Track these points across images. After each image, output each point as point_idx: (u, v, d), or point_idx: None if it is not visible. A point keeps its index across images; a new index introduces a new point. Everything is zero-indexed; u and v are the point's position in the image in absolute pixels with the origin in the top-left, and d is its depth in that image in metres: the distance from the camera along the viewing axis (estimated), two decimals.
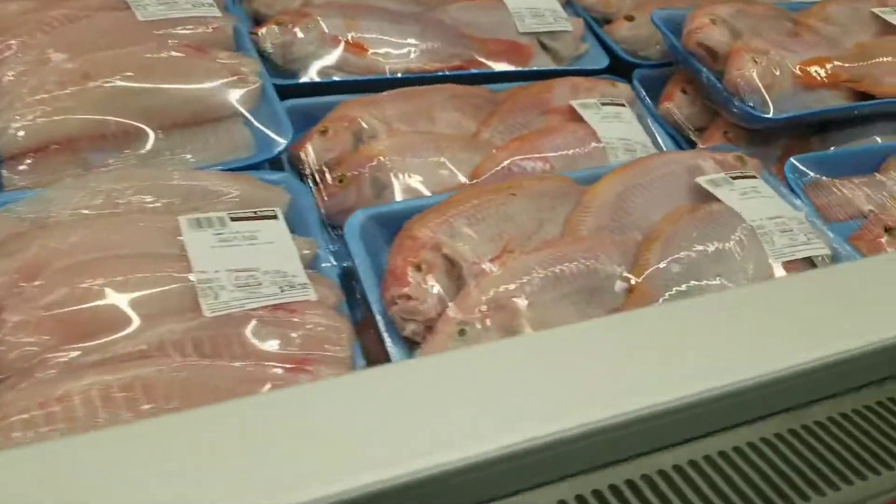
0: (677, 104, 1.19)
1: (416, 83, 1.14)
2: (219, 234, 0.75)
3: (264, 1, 1.23)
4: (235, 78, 0.90)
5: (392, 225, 0.82)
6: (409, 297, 0.70)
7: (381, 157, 0.95)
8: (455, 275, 0.76)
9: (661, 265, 0.76)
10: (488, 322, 0.68)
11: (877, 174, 1.07)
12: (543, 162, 1.00)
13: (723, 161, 0.95)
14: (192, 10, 0.97)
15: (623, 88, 1.20)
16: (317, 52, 1.15)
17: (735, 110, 1.09)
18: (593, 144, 1.05)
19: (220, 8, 1.00)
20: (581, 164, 1.03)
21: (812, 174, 1.01)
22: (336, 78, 1.13)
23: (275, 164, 0.96)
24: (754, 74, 1.09)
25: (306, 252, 0.76)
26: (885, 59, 1.20)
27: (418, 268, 0.73)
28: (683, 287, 0.74)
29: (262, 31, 1.14)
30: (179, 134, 0.88)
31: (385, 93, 1.08)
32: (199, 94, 0.88)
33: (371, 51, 1.16)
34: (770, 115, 1.07)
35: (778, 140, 1.17)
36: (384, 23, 1.21)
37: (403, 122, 1.05)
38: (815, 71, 1.14)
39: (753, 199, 0.86)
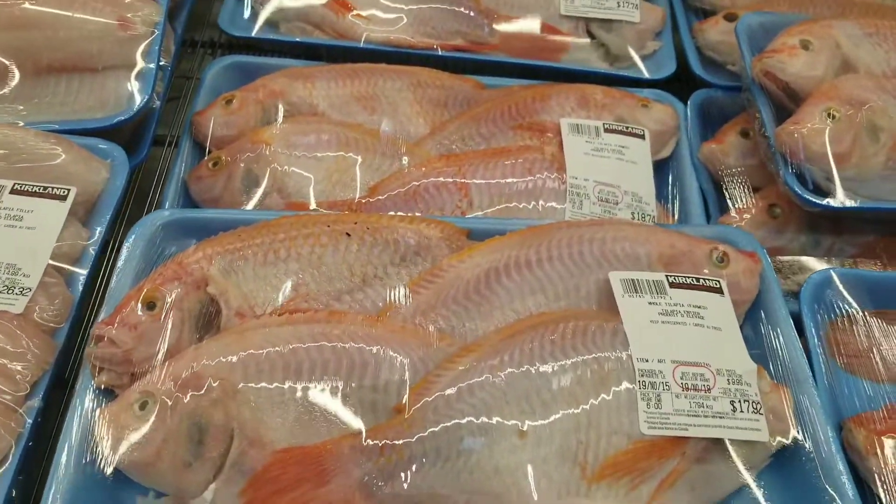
0: (727, 149, 0.86)
1: (386, 59, 0.94)
2: None
3: None
4: (117, 23, 0.78)
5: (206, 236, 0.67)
6: (110, 342, 0.55)
7: (266, 147, 0.78)
8: (215, 323, 0.60)
9: (449, 392, 0.52)
10: (182, 402, 0.51)
11: None
12: (463, 194, 0.77)
13: (689, 252, 0.64)
14: (615, 9, 0.92)
15: (662, 113, 0.89)
16: (300, 5, 0.99)
17: (781, 179, 0.76)
18: (550, 184, 0.79)
19: None
20: (523, 207, 0.78)
21: (851, 303, 0.67)
22: (298, 39, 0.97)
23: None
24: (820, 135, 0.74)
25: (71, 243, 0.64)
26: None
27: (151, 304, 0.57)
28: (468, 440, 0.51)
29: None
30: (54, 80, 0.78)
31: (328, 66, 0.90)
32: (71, 37, 0.77)
33: (354, 11, 0.98)
34: (825, 201, 0.73)
35: (857, 232, 0.81)
36: None
37: (333, 108, 0.86)
38: None
39: (672, 327, 0.57)
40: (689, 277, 0.61)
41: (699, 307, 0.59)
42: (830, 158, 0.73)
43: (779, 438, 0.55)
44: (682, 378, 0.54)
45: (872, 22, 0.88)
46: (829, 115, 0.74)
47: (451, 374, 0.53)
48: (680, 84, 0.99)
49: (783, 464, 0.56)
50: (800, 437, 0.56)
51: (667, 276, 0.61)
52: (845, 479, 0.53)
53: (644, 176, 0.83)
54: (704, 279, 0.62)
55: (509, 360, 0.54)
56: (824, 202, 0.72)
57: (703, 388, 0.54)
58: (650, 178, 0.83)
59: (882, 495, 0.53)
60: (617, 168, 0.82)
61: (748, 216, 0.80)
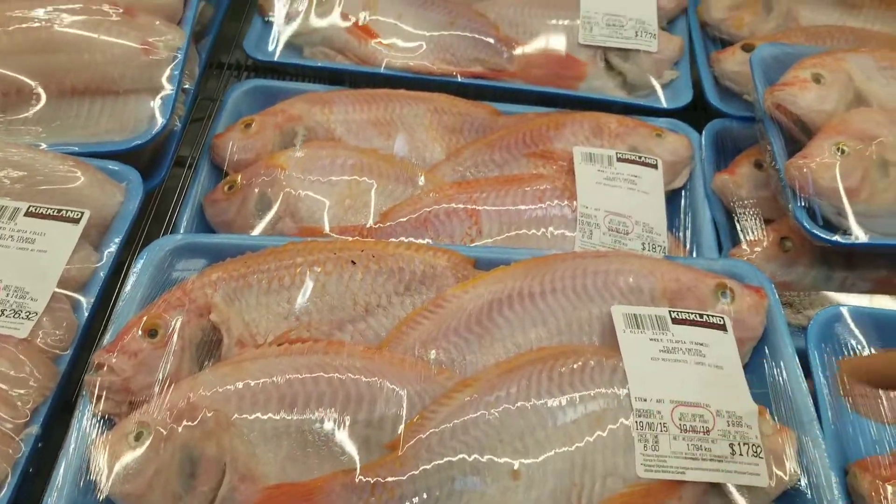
0: (740, 181, 0.83)
1: (406, 85, 0.93)
2: (1, 228, 0.65)
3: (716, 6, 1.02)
4: (141, 48, 0.79)
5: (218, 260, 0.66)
6: (110, 370, 0.55)
7: (281, 171, 0.78)
8: (217, 352, 0.59)
9: (444, 428, 0.51)
10: (177, 433, 0.50)
11: None
12: (473, 221, 0.76)
13: (694, 286, 0.62)
14: (633, 39, 0.91)
15: (676, 143, 0.87)
16: (324, 30, 0.99)
17: (791, 212, 0.73)
18: (561, 212, 0.77)
19: None
20: (533, 234, 0.76)
21: (860, 340, 0.64)
22: (319, 63, 0.97)
23: None
24: (830, 169, 0.71)
25: (80, 267, 0.64)
26: None
27: (153, 331, 0.57)
28: (460, 480, 0.49)
29: None
30: (76, 103, 0.79)
31: (346, 91, 0.90)
32: (95, 61, 0.78)
33: (377, 38, 0.98)
34: (834, 237, 0.70)
35: (871, 267, 0.78)
36: (406, 7, 1.00)
37: (350, 133, 0.86)
38: None
39: (673, 365, 0.55)
40: (692, 313, 0.59)
41: (701, 344, 0.57)
42: (840, 193, 0.70)
43: (779, 483, 0.52)
44: (680, 419, 0.52)
45: (887, 55, 0.85)
46: (838, 149, 0.72)
47: (447, 410, 0.52)
48: (697, 113, 0.97)
49: None
50: (802, 481, 0.53)
51: (670, 311, 0.59)
52: None
53: (656, 206, 0.81)
54: (708, 315, 0.60)
55: (505, 397, 0.52)
56: (833, 237, 0.69)
57: (701, 429, 0.52)
58: (662, 208, 0.81)
59: None
60: (629, 198, 0.80)
61: (759, 249, 0.77)
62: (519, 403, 0.52)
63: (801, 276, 0.76)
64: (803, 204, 0.72)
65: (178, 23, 0.87)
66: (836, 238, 0.70)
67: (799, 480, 0.53)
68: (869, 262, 0.76)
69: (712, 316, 0.60)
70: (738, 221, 0.82)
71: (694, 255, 0.79)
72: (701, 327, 0.59)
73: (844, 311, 0.64)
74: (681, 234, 0.82)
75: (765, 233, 0.78)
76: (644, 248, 0.76)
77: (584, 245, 0.75)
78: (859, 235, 0.70)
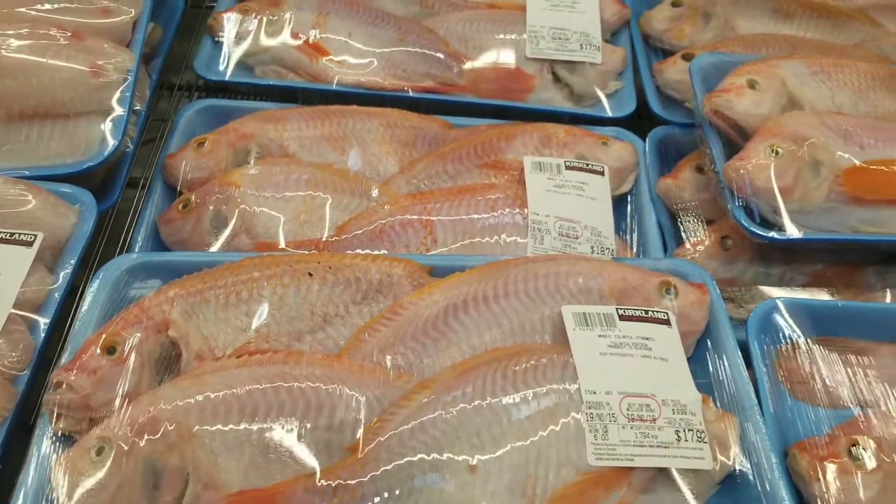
0: (682, 184, 0.88)
1: (359, 101, 0.96)
2: None
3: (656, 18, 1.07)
4: (90, 71, 0.80)
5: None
6: (69, 388, 0.56)
7: (235, 189, 0.80)
8: (176, 367, 0.61)
9: (402, 430, 0.53)
10: (138, 447, 0.52)
11: None
12: (427, 231, 0.78)
13: (640, 285, 0.66)
14: (578, 51, 0.94)
15: (622, 150, 0.91)
16: (274, 49, 1.01)
17: (729, 212, 0.78)
18: (513, 219, 0.81)
19: None
20: (486, 242, 0.79)
21: (796, 331, 0.68)
22: (271, 82, 0.99)
23: None
24: (765, 170, 0.76)
25: (36, 289, 0.65)
26: None
27: (111, 349, 0.58)
28: (420, 478, 0.51)
29: (224, 16, 1.03)
30: (26, 127, 0.79)
31: (299, 108, 0.92)
32: (43, 85, 0.78)
33: (328, 56, 1.00)
34: (770, 233, 0.75)
35: (808, 261, 0.83)
36: (357, 25, 1.03)
37: (303, 149, 0.88)
38: (876, 180, 0.78)
39: (621, 359, 0.58)
40: (638, 310, 0.63)
41: (647, 339, 0.61)
42: (775, 192, 0.75)
43: (723, 466, 0.56)
44: (628, 409, 0.55)
45: (818, 60, 0.91)
46: (773, 151, 0.77)
47: (405, 411, 0.54)
48: (641, 121, 1.01)
49: (730, 491, 0.57)
50: (745, 464, 0.57)
51: (617, 309, 0.63)
52: None
53: (603, 211, 0.85)
54: (653, 311, 0.63)
55: (462, 397, 0.54)
56: (769, 234, 0.74)
57: (648, 418, 0.55)
58: (609, 212, 0.85)
59: None
60: (577, 204, 0.84)
61: (702, 248, 0.82)
62: (475, 402, 0.54)
63: (741, 272, 0.81)
64: (741, 204, 0.77)
65: (128, 45, 0.89)
66: (773, 234, 0.74)
67: (742, 463, 0.57)
68: (805, 256, 0.81)
69: (657, 312, 0.63)
70: (681, 223, 0.86)
71: (640, 256, 0.83)
72: (646, 323, 0.62)
73: (781, 303, 0.68)
74: (628, 236, 0.86)
75: (707, 233, 0.83)
76: (593, 251, 0.80)
77: (535, 250, 0.79)
78: (793, 232, 0.74)
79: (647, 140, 0.95)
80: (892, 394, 0.61)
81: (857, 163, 0.78)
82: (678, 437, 0.55)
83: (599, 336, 0.60)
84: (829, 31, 1.11)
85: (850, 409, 0.62)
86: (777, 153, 0.77)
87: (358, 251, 0.73)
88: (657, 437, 0.54)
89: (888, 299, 0.78)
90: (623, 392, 0.56)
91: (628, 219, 0.88)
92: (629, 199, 0.90)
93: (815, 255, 0.81)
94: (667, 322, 0.63)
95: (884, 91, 0.92)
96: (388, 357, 0.59)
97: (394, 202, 0.81)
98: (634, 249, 0.85)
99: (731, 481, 0.57)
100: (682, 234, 0.84)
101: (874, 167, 0.78)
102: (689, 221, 0.86)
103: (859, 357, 0.67)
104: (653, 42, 1.12)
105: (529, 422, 0.54)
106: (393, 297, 0.66)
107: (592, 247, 0.81)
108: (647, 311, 0.63)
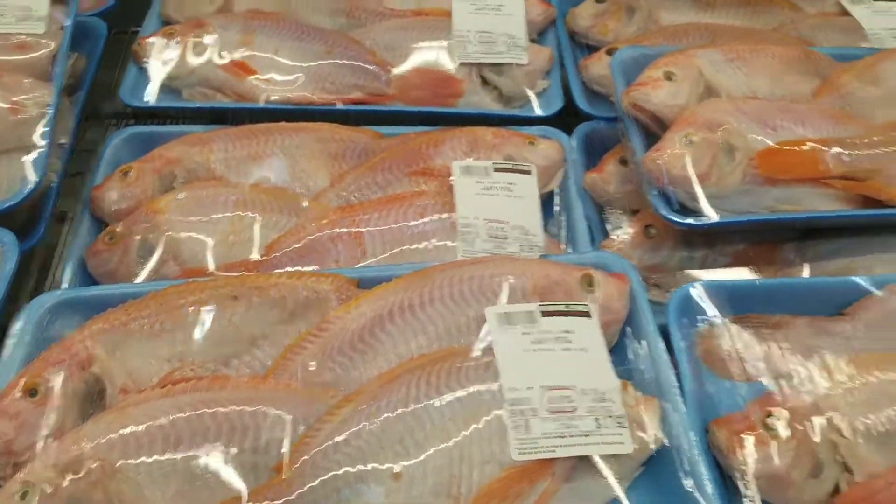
0: (607, 178, 0.90)
1: (289, 117, 0.97)
2: None
3: (174, 5, 1.13)
4: (8, 108, 0.80)
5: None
6: None
7: (161, 216, 0.80)
8: (101, 403, 0.61)
9: (326, 445, 0.54)
10: (62, 488, 0.52)
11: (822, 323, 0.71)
12: (357, 242, 0.80)
13: (562, 280, 0.68)
14: (13, 24, 0.88)
15: (548, 148, 0.93)
16: (200, 70, 1.02)
17: (650, 202, 0.80)
18: (442, 225, 0.82)
19: (53, 25, 0.90)
20: (415, 249, 0.81)
21: (714, 311, 0.70)
22: (198, 104, 0.99)
23: None
24: (680, 159, 0.78)
25: None
26: None
27: (33, 391, 0.58)
28: (345, 490, 0.52)
29: (148, 41, 1.04)
30: None
31: (224, 129, 0.92)
32: None
33: (255, 74, 1.01)
34: (687, 220, 0.77)
35: (729, 243, 0.85)
36: (283, 40, 1.04)
37: (230, 170, 0.89)
38: (788, 160, 0.81)
39: (543, 354, 0.60)
40: (559, 305, 0.65)
41: (568, 332, 0.63)
42: (692, 179, 0.78)
43: (644, 448, 0.58)
44: (549, 402, 0.57)
45: (734, 47, 0.94)
46: (688, 139, 0.79)
47: (329, 426, 0.55)
48: (570, 118, 1.04)
49: (653, 471, 0.59)
50: (666, 443, 0.59)
51: (540, 305, 0.65)
52: (706, 479, 0.56)
53: (531, 210, 0.86)
54: (574, 305, 0.65)
55: (385, 406, 0.56)
56: (687, 220, 0.77)
57: (569, 409, 0.57)
58: (537, 211, 0.87)
59: (743, 489, 0.57)
60: (506, 205, 0.86)
61: (627, 238, 0.84)
62: (398, 410, 0.56)
63: (666, 258, 0.83)
64: (660, 193, 0.79)
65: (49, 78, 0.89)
66: (690, 221, 0.77)
67: (663, 443, 0.59)
68: (726, 238, 0.84)
69: (577, 305, 0.65)
70: (608, 215, 0.89)
71: (570, 251, 0.85)
72: (567, 317, 0.64)
73: (699, 286, 0.70)
74: (558, 232, 0.88)
75: (631, 223, 0.85)
76: (521, 250, 0.82)
77: (466, 254, 0.80)
78: (711, 216, 0.77)
79: (573, 136, 0.98)
80: (806, 365, 0.64)
81: (771, 144, 0.81)
82: (598, 424, 0.57)
83: (523, 334, 0.62)
84: (748, 18, 1.15)
85: (766, 384, 0.64)
86: (692, 141, 0.79)
87: (287, 269, 0.74)
88: (578, 426, 0.56)
89: (806, 274, 0.81)
90: (545, 386, 0.58)
91: (556, 215, 0.90)
92: (558, 196, 0.92)
93: (736, 236, 0.84)
94: (587, 314, 0.65)
95: (798, 73, 0.95)
96: (315, 374, 0.61)
97: (321, 216, 0.82)
98: (564, 245, 0.87)
99: (654, 461, 0.59)
100: (608, 225, 0.87)
101: (787, 148, 0.81)
102: (614, 213, 0.88)
103: (775, 331, 0.70)
104: (579, 39, 1.14)
105: (452, 423, 0.56)
106: (321, 313, 0.67)
107: (521, 246, 0.82)
108: (568, 306, 0.65)
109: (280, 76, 1.01)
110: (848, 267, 0.83)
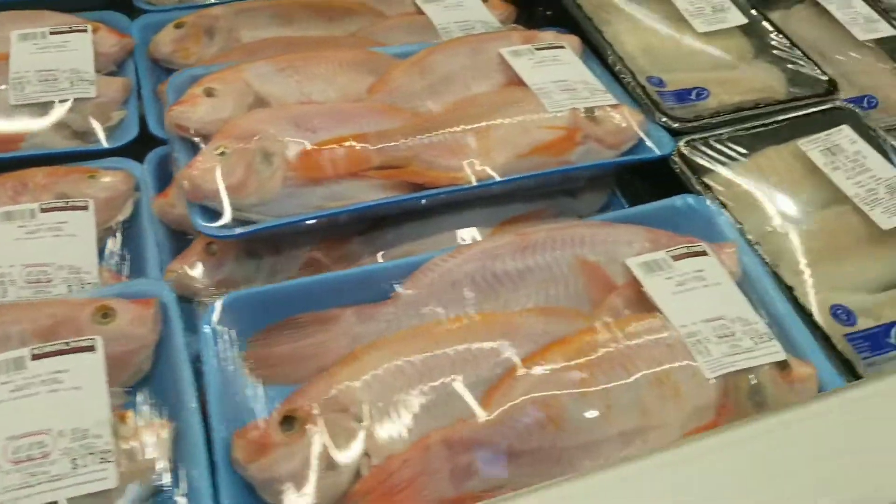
0: (172, 200, 0.87)
1: None
2: None
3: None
4: None
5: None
6: None
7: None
8: None
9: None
10: None
11: None
12: None
13: (71, 317, 0.65)
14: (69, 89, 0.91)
15: (112, 180, 0.89)
16: None
17: (190, 216, 0.80)
18: None
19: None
20: None
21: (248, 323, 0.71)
22: None
23: None
24: (211, 173, 0.80)
25: None
26: (456, 130, 0.93)
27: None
28: None
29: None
30: None
31: None
32: None
33: None
34: (222, 232, 0.78)
35: (295, 246, 0.88)
36: None
37: None
38: (324, 159, 0.86)
39: (20, 403, 0.57)
40: (56, 345, 0.62)
41: (60, 371, 0.60)
42: (224, 192, 0.79)
43: (143, 475, 0.57)
44: (14, 454, 0.54)
45: (286, 59, 0.98)
46: (220, 152, 0.81)
47: None
48: (149, 145, 1.01)
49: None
50: (177, 465, 0.58)
51: (32, 349, 0.61)
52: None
53: (85, 246, 0.82)
54: (75, 342, 0.63)
55: None
56: (223, 233, 0.78)
57: (39, 455, 0.54)
58: (92, 246, 0.82)
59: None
60: (53, 246, 0.81)
61: (192, 259, 0.84)
62: None
63: (233, 271, 0.84)
64: (200, 207, 0.79)
65: None
66: (226, 232, 0.78)
67: (170, 467, 0.58)
68: (290, 242, 0.87)
69: (79, 341, 0.63)
70: (175, 238, 0.87)
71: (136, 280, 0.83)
72: (66, 355, 0.61)
73: (229, 299, 0.71)
74: (122, 263, 0.85)
75: (193, 243, 0.85)
76: (71, 290, 0.78)
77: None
78: (245, 226, 0.79)
79: (145, 163, 0.95)
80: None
81: (308, 146, 0.85)
82: (75, 464, 0.54)
83: (3, 383, 0.58)
84: (327, 27, 1.21)
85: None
86: (224, 153, 0.81)
87: None
88: (49, 471, 0.54)
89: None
90: (10, 437, 0.54)
91: (120, 246, 0.87)
92: (125, 226, 0.89)
93: (300, 239, 0.87)
94: (91, 349, 0.62)
95: (353, 73, 1.02)
96: None
97: None
98: (128, 275, 0.84)
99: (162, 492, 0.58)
100: (173, 249, 0.86)
101: (323, 147, 0.85)
102: (181, 235, 0.87)
103: (322, 326, 0.73)
104: (164, 65, 1.12)
105: None
106: None
107: (70, 286, 0.78)
108: (67, 343, 0.62)
109: None
110: (409, 251, 0.89)
